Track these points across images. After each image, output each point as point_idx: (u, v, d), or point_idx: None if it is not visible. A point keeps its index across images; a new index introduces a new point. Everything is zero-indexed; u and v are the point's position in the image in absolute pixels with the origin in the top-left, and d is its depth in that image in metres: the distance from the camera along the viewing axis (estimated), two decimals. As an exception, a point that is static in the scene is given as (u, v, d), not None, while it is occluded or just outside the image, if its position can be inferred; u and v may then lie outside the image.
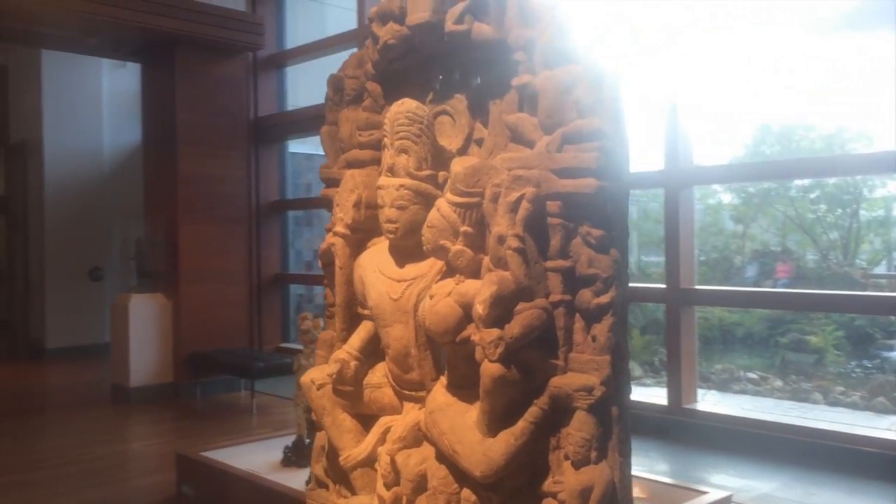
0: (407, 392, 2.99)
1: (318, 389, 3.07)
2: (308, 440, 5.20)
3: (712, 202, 12.81)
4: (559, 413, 2.60)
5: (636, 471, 3.08)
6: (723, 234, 12.65)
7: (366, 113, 3.19)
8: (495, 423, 2.59)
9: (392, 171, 2.85)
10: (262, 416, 8.03)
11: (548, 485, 2.61)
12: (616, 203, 2.61)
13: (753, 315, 11.16)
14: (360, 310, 3.10)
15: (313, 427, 4.83)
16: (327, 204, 3.36)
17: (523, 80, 2.70)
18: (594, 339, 2.60)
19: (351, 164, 3.21)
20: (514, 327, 2.51)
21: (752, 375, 10.14)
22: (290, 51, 10.43)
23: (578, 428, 2.57)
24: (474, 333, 2.54)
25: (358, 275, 3.05)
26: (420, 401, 2.95)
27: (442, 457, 2.73)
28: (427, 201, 2.84)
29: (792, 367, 10.16)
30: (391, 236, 2.88)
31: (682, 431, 6.28)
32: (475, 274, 2.65)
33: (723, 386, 9.75)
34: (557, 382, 2.59)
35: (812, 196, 11.78)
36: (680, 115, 6.31)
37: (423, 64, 3.10)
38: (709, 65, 6.98)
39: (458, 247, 2.63)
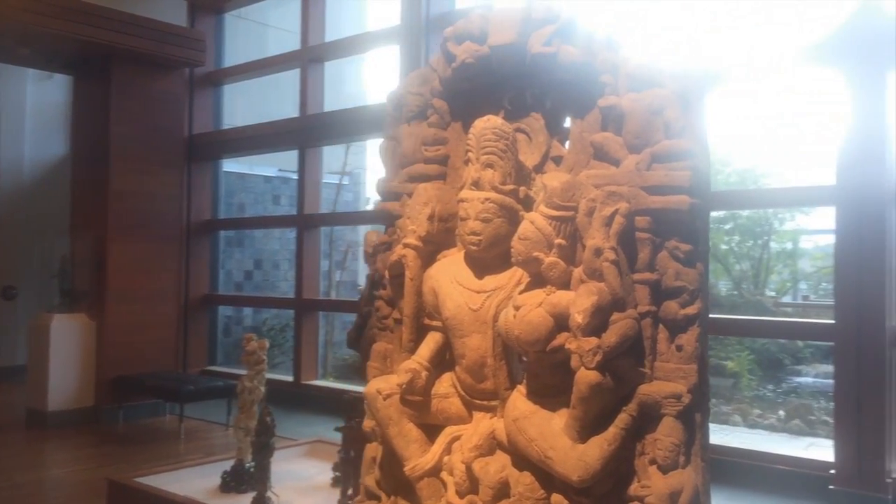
0: (478, 402, 3.04)
1: (384, 399, 3.08)
2: (250, 464, 5.15)
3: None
4: (645, 420, 2.72)
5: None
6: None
7: (433, 129, 3.26)
8: (587, 429, 2.68)
9: (477, 185, 2.92)
10: (190, 441, 7.84)
11: (634, 489, 2.72)
12: (702, 219, 2.77)
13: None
14: (427, 321, 3.14)
15: (262, 449, 4.80)
16: (383, 217, 3.40)
17: (610, 101, 2.83)
18: (679, 348, 2.75)
19: (414, 179, 3.27)
20: (611, 336, 2.62)
21: (670, 399, 10.43)
22: (228, 69, 10.34)
23: (668, 434, 2.69)
24: (570, 342, 2.63)
25: (429, 286, 3.09)
26: (491, 410, 3.01)
27: (525, 463, 2.80)
28: (510, 215, 2.92)
29: (711, 391, 10.57)
30: (474, 248, 2.94)
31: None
32: (565, 285, 2.74)
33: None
34: (646, 390, 2.71)
35: (726, 227, 12.38)
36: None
37: (494, 84, 3.19)
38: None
39: (552, 258, 2.72)
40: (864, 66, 5.65)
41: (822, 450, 7.23)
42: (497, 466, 2.86)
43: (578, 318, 2.59)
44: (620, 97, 2.83)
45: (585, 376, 2.60)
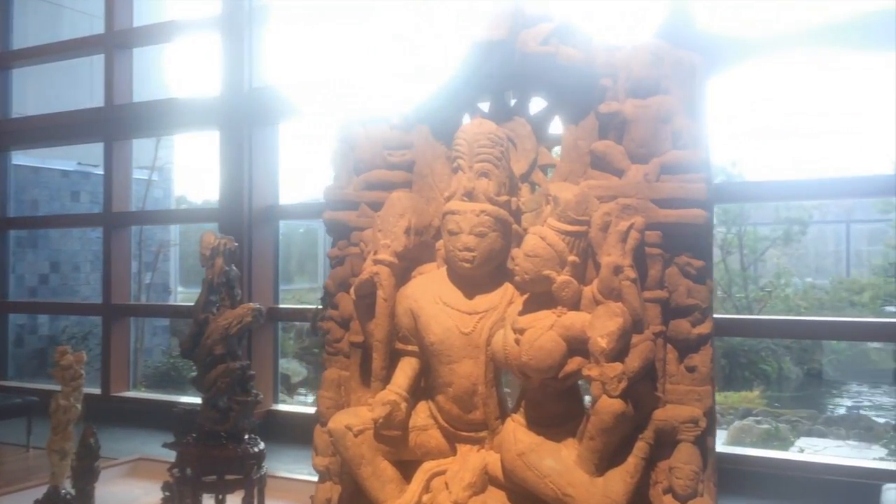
0: (463, 433, 2.75)
1: (355, 436, 2.72)
2: (67, 491, 4.68)
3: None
4: (658, 447, 2.56)
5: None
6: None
7: (397, 132, 2.92)
8: (605, 461, 2.49)
9: (470, 196, 2.63)
10: (-17, 467, 6.95)
11: (650, 521, 2.56)
12: (711, 234, 2.65)
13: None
14: (400, 345, 2.80)
15: (84, 474, 4.35)
16: (334, 228, 3.01)
17: (612, 107, 2.64)
18: (691, 369, 2.61)
19: (373, 186, 2.92)
20: (634, 361, 2.43)
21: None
22: (18, 51, 9.25)
23: (687, 461, 2.55)
24: (590, 368, 2.42)
25: (405, 307, 2.75)
26: (478, 442, 2.74)
27: (529, 500, 2.56)
28: (504, 229, 2.66)
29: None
30: (467, 265, 2.64)
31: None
32: (576, 306, 2.52)
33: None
34: (662, 415, 2.55)
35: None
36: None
37: (469, 85, 2.91)
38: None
39: (564, 277, 2.48)
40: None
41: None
42: (497, 506, 2.60)
43: (602, 342, 2.38)
44: (622, 103, 2.64)
45: (610, 405, 2.39)
